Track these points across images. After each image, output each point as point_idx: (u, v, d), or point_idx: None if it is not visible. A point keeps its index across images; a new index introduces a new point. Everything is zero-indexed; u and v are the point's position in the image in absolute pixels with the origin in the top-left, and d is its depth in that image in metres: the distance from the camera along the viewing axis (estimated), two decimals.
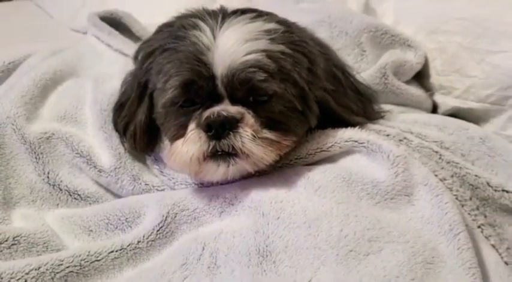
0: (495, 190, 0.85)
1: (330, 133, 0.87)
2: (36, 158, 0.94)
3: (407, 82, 1.10)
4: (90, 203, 0.94)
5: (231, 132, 0.77)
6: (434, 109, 1.13)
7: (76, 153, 0.95)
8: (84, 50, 1.27)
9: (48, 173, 0.94)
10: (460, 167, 0.86)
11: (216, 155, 0.78)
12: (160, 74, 0.83)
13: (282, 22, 0.85)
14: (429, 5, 1.12)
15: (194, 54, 0.78)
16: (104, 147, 0.95)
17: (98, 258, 0.78)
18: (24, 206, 0.92)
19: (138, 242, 0.80)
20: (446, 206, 0.77)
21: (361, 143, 0.85)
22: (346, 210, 0.75)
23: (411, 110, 1.07)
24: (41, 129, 0.97)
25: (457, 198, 0.82)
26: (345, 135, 0.86)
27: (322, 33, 1.10)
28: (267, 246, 0.73)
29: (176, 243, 0.81)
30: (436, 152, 0.87)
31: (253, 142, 0.77)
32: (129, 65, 1.00)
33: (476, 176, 0.86)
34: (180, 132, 0.82)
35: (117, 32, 1.29)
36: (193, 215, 0.82)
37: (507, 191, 0.86)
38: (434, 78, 1.10)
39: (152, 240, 0.81)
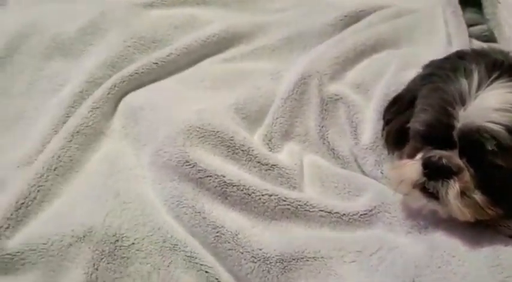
0: None
1: None
2: (320, 111, 1.18)
3: None
4: (338, 164, 1.14)
5: (441, 179, 0.86)
6: None
7: (348, 121, 1.15)
8: (422, 21, 1.38)
9: (322, 127, 1.17)
10: None
11: (424, 188, 0.89)
12: (419, 101, 0.94)
13: None
14: None
15: (445, 103, 0.86)
16: (370, 126, 1.12)
17: (309, 210, 1.00)
18: (296, 143, 1.18)
19: (350, 213, 0.99)
20: None
21: None
22: None
23: None
24: (335, 90, 1.19)
25: None
26: None
27: None
28: None
29: (369, 232, 0.97)
30: None
31: (455, 197, 0.85)
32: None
33: None
34: (411, 153, 0.94)
35: (461, 13, 1.34)
36: (389, 221, 0.97)
37: None
38: None
39: (356, 220, 0.98)
